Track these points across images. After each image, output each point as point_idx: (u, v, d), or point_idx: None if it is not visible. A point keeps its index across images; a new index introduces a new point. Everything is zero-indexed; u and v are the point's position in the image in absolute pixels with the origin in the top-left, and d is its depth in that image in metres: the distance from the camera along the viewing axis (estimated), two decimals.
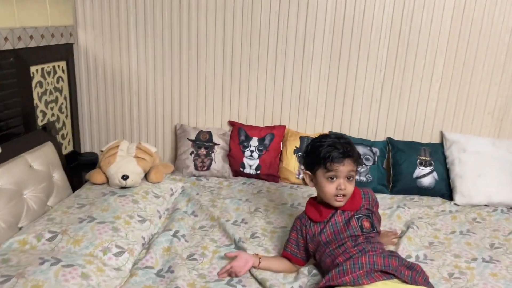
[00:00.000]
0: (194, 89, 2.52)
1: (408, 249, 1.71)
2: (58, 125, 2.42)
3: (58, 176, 1.97)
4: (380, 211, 2.03)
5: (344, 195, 1.44)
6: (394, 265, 1.31)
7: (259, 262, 1.52)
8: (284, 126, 2.49)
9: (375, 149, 2.39)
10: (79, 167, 2.49)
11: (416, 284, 1.25)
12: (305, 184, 2.30)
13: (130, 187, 1.94)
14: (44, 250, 1.47)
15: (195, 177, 2.39)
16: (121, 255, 1.52)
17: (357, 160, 1.48)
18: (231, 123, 2.54)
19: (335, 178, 1.43)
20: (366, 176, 2.33)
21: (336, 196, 1.44)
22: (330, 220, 1.48)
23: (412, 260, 1.65)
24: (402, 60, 2.36)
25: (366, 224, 1.47)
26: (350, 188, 1.45)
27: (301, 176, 2.37)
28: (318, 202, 1.54)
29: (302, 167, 1.50)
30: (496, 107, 2.40)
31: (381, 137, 2.50)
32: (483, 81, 2.37)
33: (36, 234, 1.52)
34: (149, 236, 1.72)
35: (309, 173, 1.51)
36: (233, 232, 1.76)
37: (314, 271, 1.53)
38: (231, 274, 1.49)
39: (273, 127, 2.47)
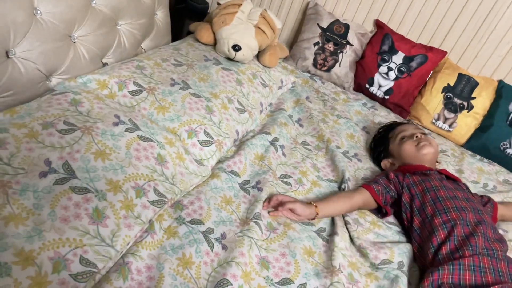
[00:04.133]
0: None
1: None
2: None
3: (162, 16, 1.62)
4: None
5: (426, 140, 1.34)
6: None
7: (317, 213, 1.10)
8: (445, 53, 1.88)
9: None
10: (183, 12, 2.12)
11: None
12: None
13: (238, 61, 1.54)
14: (123, 105, 1.18)
15: (309, 75, 1.93)
16: (208, 145, 1.20)
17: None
18: (378, 24, 1.96)
19: (405, 137, 1.38)
20: None
21: (419, 145, 1.32)
22: (435, 173, 1.25)
23: None
24: None
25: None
26: (428, 138, 1.38)
27: (438, 123, 1.84)
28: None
29: (383, 159, 1.44)
30: None
31: None
32: None
33: (120, 81, 1.21)
34: (244, 133, 1.37)
35: (388, 160, 1.42)
36: (343, 166, 1.36)
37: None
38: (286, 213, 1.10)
39: (431, 48, 1.87)
